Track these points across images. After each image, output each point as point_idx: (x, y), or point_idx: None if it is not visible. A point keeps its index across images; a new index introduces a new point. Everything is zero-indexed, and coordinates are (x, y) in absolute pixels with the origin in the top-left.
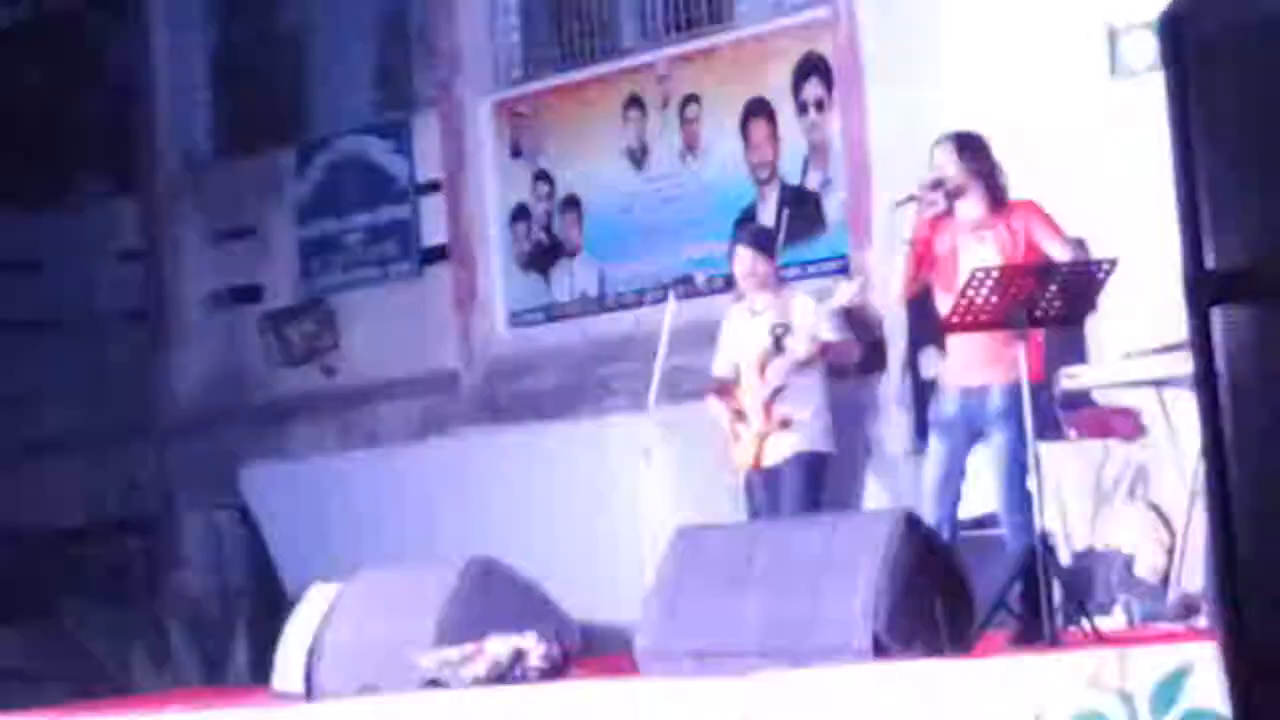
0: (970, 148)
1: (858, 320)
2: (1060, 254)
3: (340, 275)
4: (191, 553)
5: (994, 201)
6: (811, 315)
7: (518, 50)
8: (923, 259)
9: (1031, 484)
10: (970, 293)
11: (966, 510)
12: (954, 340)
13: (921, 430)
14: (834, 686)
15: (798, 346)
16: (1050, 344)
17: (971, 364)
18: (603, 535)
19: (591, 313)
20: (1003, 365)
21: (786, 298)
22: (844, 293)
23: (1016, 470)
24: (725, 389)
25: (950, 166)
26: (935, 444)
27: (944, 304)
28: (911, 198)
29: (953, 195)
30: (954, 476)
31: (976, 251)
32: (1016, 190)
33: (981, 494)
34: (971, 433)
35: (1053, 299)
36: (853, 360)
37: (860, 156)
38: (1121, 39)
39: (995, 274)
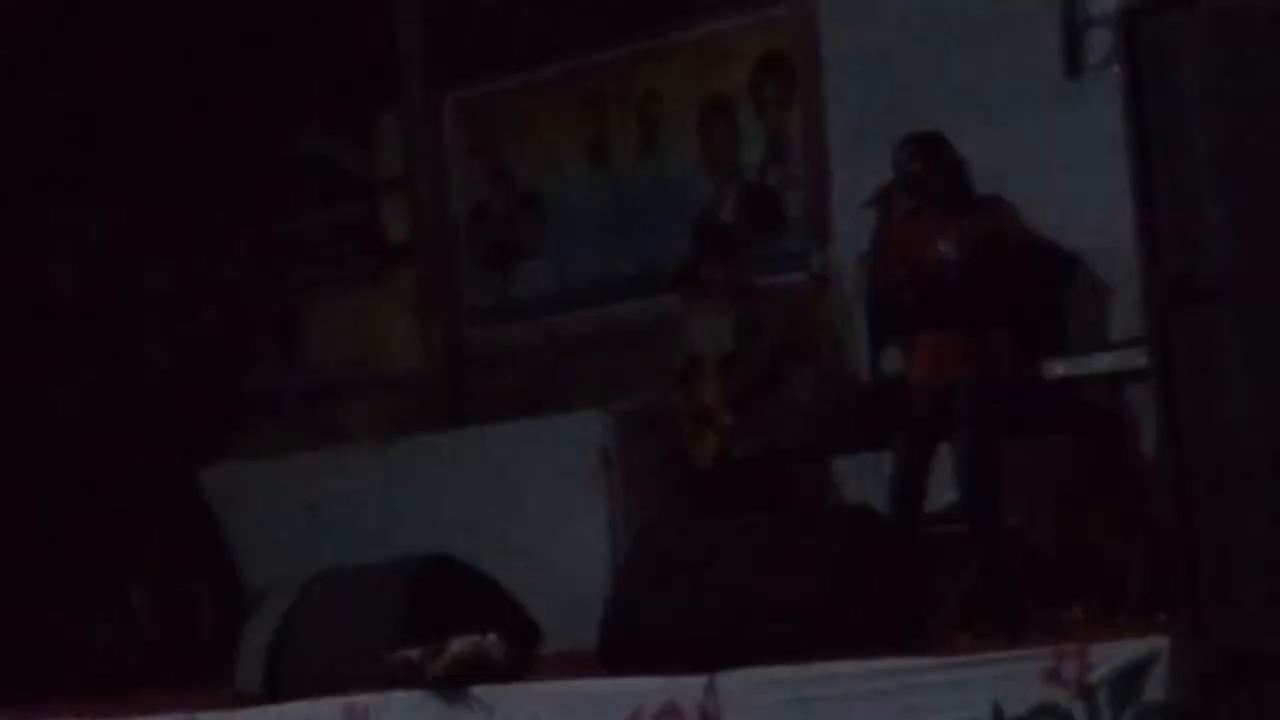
0: (933, 147)
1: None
2: (1027, 248)
3: (301, 273)
4: (153, 552)
5: (960, 198)
6: (770, 313)
7: (477, 47)
8: (891, 259)
9: (995, 479)
10: (936, 286)
11: (929, 506)
12: (921, 338)
13: (886, 426)
14: (793, 682)
15: (759, 356)
16: (1015, 339)
17: (938, 361)
18: (565, 533)
19: (553, 311)
20: (967, 362)
21: (748, 295)
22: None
23: (981, 466)
24: (688, 385)
25: (915, 166)
26: (901, 441)
27: (913, 302)
28: (877, 198)
29: (918, 195)
30: (919, 474)
31: (944, 249)
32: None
33: (945, 490)
34: (937, 429)
35: (1018, 293)
36: (809, 365)
37: (820, 154)
38: (1080, 34)
39: (962, 269)
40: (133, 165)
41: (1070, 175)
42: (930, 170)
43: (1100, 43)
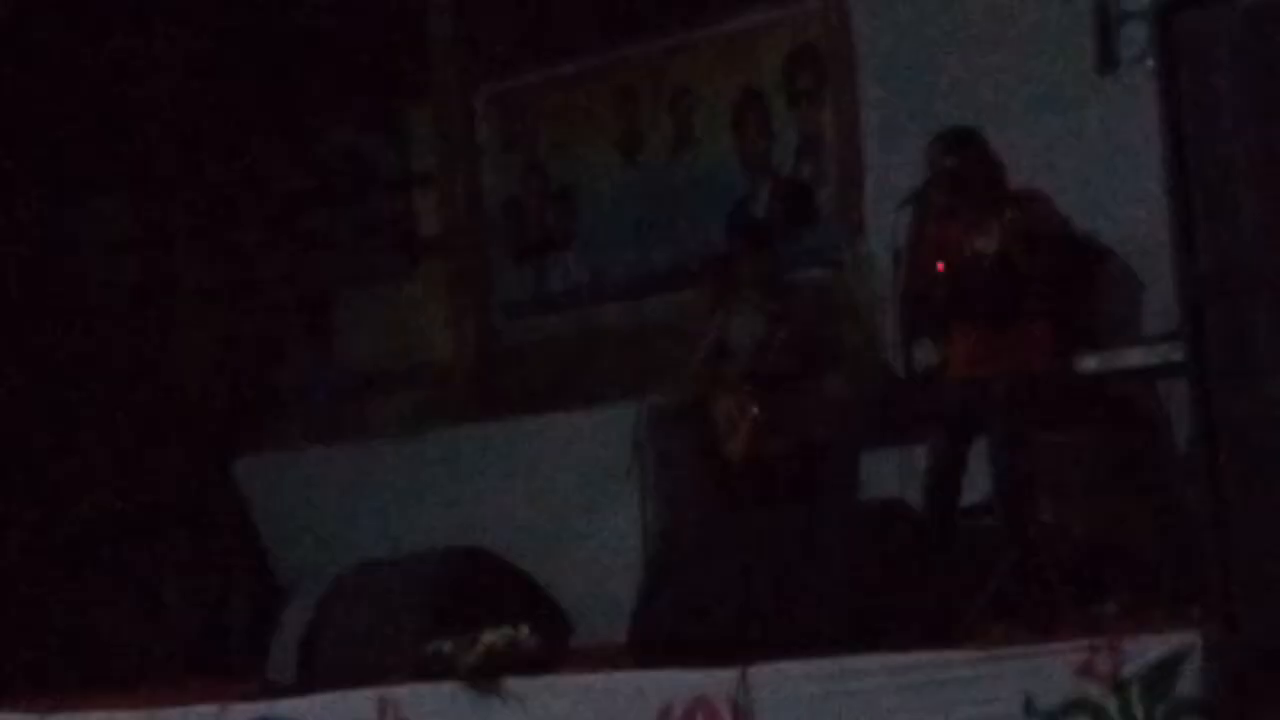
0: (966, 143)
1: (845, 313)
2: (1063, 242)
3: (333, 267)
4: (186, 545)
5: (995, 193)
6: (802, 308)
7: (510, 41)
8: (928, 257)
9: (1028, 473)
10: (974, 283)
11: (964, 499)
12: (956, 332)
13: (918, 421)
14: (825, 676)
15: (791, 350)
16: (1050, 333)
17: (974, 355)
18: (596, 526)
19: (585, 304)
20: (1003, 355)
21: (781, 289)
22: (836, 281)
23: (1015, 460)
24: (721, 380)
25: (948, 162)
26: (935, 436)
27: (949, 298)
28: (915, 197)
29: (952, 192)
30: (954, 468)
31: (980, 245)
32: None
33: (977, 483)
34: (971, 423)
35: (1052, 288)
36: (840, 359)
37: (852, 148)
38: (1114, 30)
39: (999, 264)
40: (163, 158)
41: (1104, 170)
42: (965, 166)
43: (1133, 38)
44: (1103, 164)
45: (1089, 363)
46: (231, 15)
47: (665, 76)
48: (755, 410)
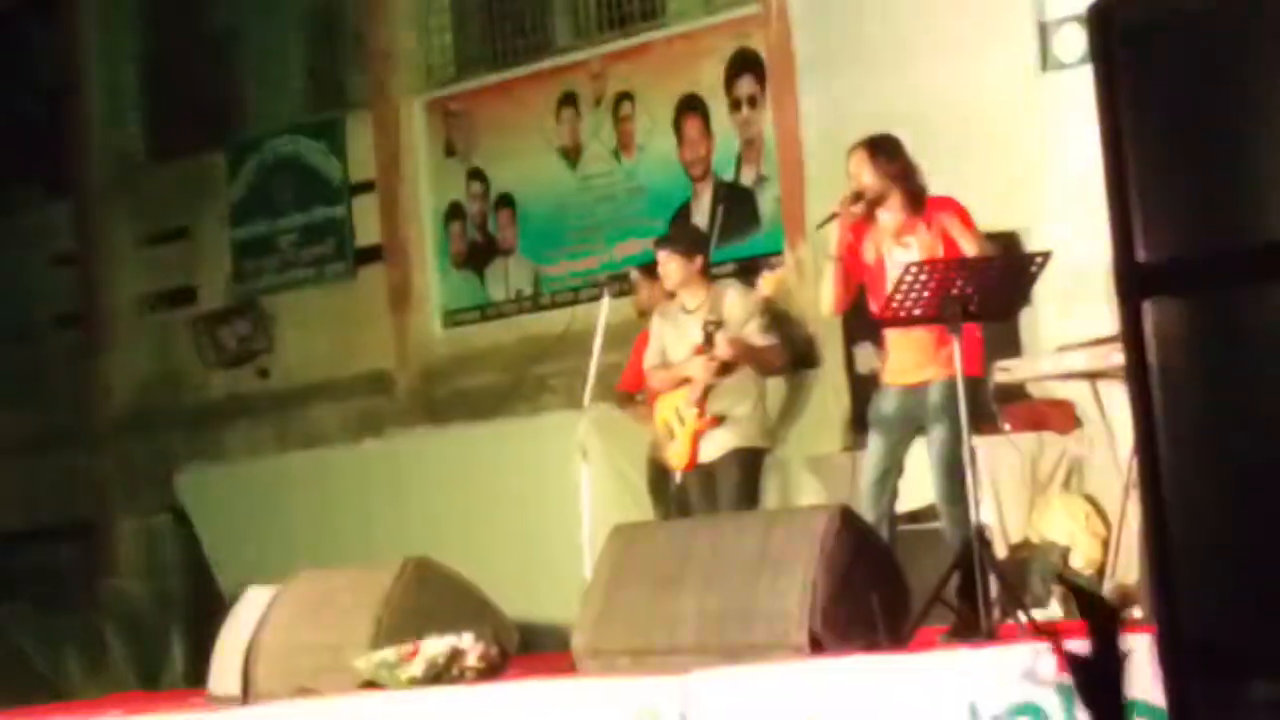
0: (885, 152)
1: (784, 318)
2: (975, 251)
3: (274, 276)
4: (127, 557)
5: (913, 203)
6: (741, 312)
7: (450, 49)
8: (851, 270)
9: (968, 478)
10: (904, 288)
11: (904, 505)
12: (893, 339)
13: (858, 426)
14: (771, 683)
15: (723, 347)
16: (985, 338)
17: (911, 362)
18: (539, 534)
19: (527, 311)
20: (940, 361)
21: (718, 294)
22: (768, 284)
23: (953, 464)
24: (662, 387)
25: (866, 174)
26: (874, 440)
27: (876, 310)
28: (834, 215)
29: (873, 203)
30: (892, 473)
31: (900, 255)
32: (949, 185)
33: (919, 488)
34: (910, 429)
35: (986, 292)
36: (778, 365)
37: (793, 152)
38: (1052, 32)
39: (928, 269)
40: (101, 163)
41: (1043, 171)
42: (883, 176)
43: (1071, 40)
44: (1042, 165)
45: (1026, 365)
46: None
47: (606, 83)
48: (694, 417)
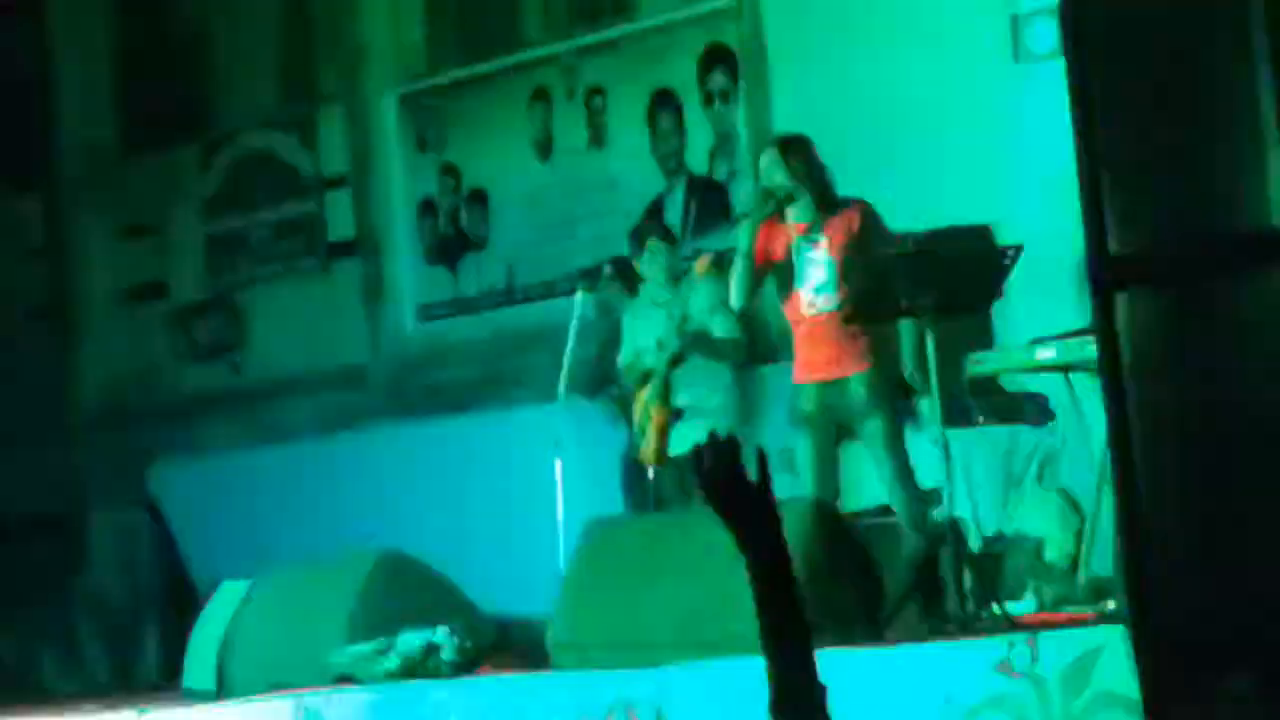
0: (796, 151)
1: (750, 311)
2: (891, 245)
3: (247, 271)
4: (101, 552)
5: (824, 203)
6: (705, 303)
7: (422, 43)
8: (761, 266)
9: (942, 470)
10: (875, 282)
11: (871, 498)
12: (802, 335)
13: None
14: (747, 676)
15: (676, 338)
16: (957, 331)
17: (823, 357)
18: (514, 528)
19: (500, 305)
20: (855, 356)
21: (686, 287)
22: (700, 268)
23: (899, 456)
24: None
25: (777, 173)
26: (802, 441)
27: (788, 307)
28: (745, 216)
29: (783, 201)
30: (829, 468)
31: (809, 253)
32: (921, 178)
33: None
34: (835, 423)
35: (958, 285)
36: (738, 357)
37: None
38: (1024, 24)
39: (897, 262)
40: (72, 157)
41: (1016, 163)
42: (794, 177)
43: (1044, 32)
44: (1017, 158)
45: (999, 358)
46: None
47: (577, 76)
48: (658, 411)
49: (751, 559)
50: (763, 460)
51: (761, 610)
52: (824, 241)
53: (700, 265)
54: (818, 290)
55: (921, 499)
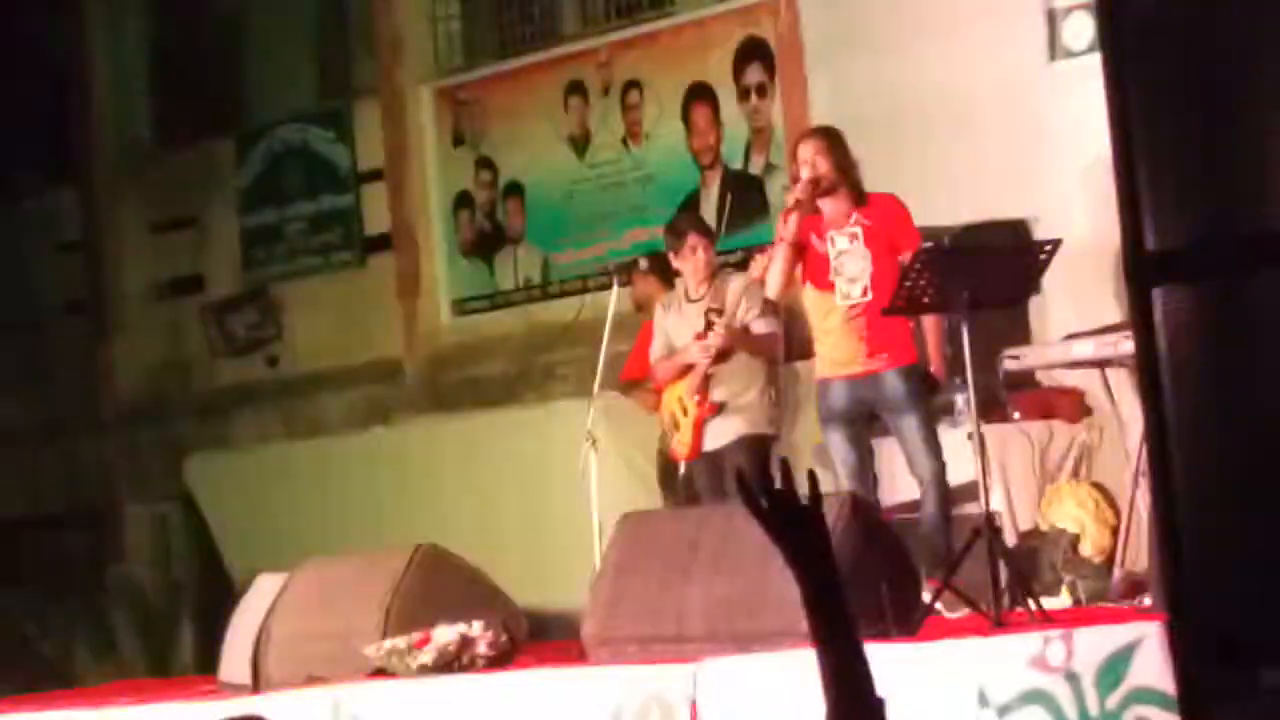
0: (837, 143)
1: (787, 306)
2: (912, 248)
3: (282, 265)
4: (136, 544)
5: (856, 196)
6: (743, 299)
7: (458, 37)
8: (797, 257)
9: (977, 465)
10: (913, 275)
11: (906, 493)
12: (824, 330)
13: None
14: (780, 670)
15: (720, 333)
16: (992, 326)
17: (851, 352)
18: (549, 522)
19: (535, 299)
20: (889, 349)
21: (722, 282)
22: (758, 265)
23: (933, 450)
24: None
25: (821, 163)
26: (834, 436)
27: (816, 300)
28: (797, 203)
29: (826, 192)
30: (865, 461)
31: (843, 245)
32: (957, 172)
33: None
34: (865, 418)
35: (994, 280)
36: (777, 352)
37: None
38: (1061, 21)
39: (934, 257)
40: (108, 151)
41: (1054, 159)
42: (835, 169)
43: (1081, 28)
44: (1051, 153)
45: (1035, 353)
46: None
47: (613, 71)
48: (695, 404)
49: (803, 575)
50: (813, 480)
51: (814, 623)
52: (859, 234)
53: (758, 262)
54: (853, 282)
55: (951, 494)
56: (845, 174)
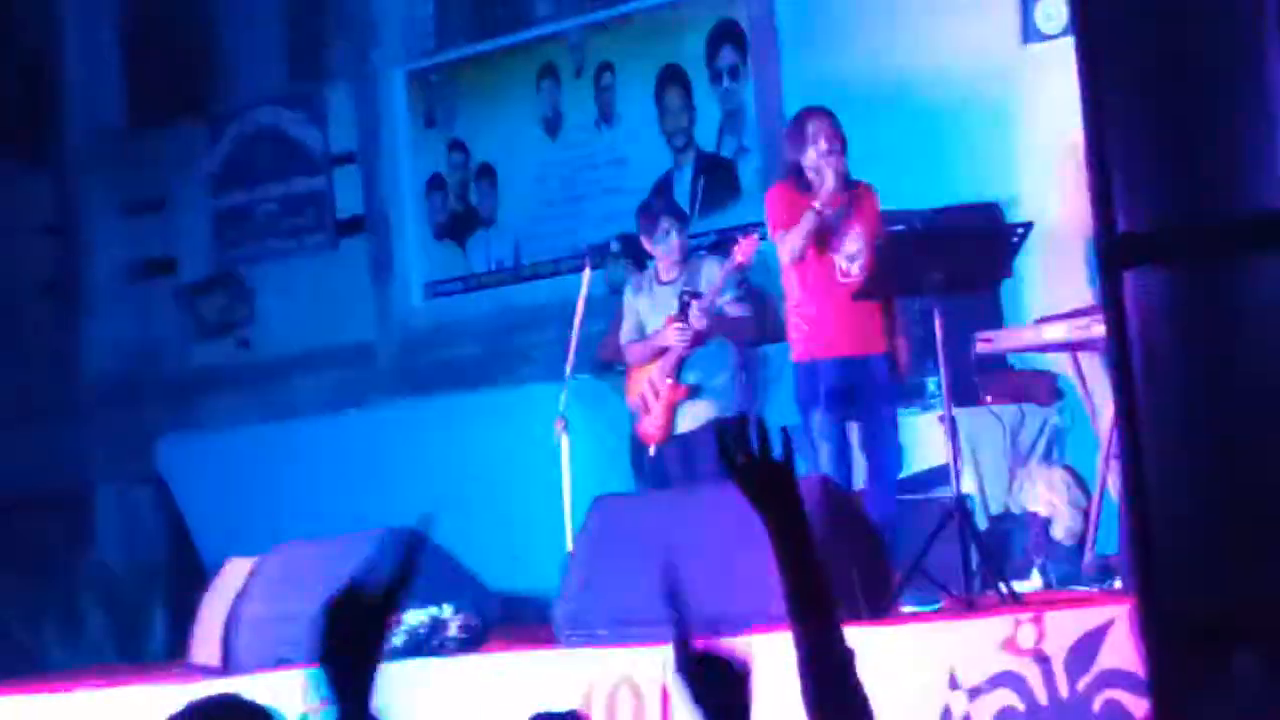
0: (837, 123)
1: (760, 290)
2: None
3: (254, 247)
4: (107, 527)
5: (845, 178)
6: (717, 282)
7: (431, 19)
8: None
9: (948, 448)
10: (882, 259)
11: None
12: (821, 310)
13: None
14: (751, 653)
15: (698, 316)
16: (963, 309)
17: (848, 333)
18: (521, 505)
19: (508, 282)
20: (877, 334)
21: (695, 265)
22: (743, 248)
23: (894, 442)
24: (638, 360)
25: (823, 140)
26: (820, 419)
27: (816, 277)
28: (837, 174)
29: (831, 167)
30: (844, 446)
31: (836, 227)
32: (931, 156)
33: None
34: (851, 402)
35: (966, 263)
36: (753, 336)
37: (774, 123)
38: (1034, 3)
39: (906, 240)
40: (79, 132)
41: (1027, 141)
42: (836, 148)
43: (1054, 11)
44: (1023, 135)
45: (1007, 336)
46: None
47: (587, 54)
48: (668, 387)
49: (777, 531)
50: (786, 438)
51: (787, 579)
52: (853, 214)
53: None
54: (852, 260)
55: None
56: (838, 156)
